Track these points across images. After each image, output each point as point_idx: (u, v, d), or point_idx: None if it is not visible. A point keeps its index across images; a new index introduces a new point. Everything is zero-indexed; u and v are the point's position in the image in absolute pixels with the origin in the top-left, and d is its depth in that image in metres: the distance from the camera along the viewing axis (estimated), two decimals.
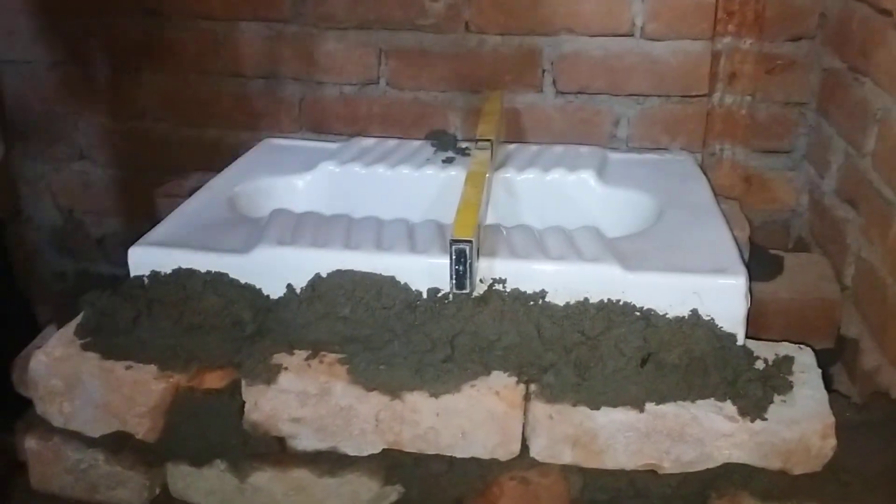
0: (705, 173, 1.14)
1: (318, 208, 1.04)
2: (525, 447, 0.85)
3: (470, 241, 0.81)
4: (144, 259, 0.93)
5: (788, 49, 1.30)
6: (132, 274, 0.93)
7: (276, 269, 0.91)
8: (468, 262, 0.82)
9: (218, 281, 0.91)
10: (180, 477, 0.90)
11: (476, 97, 1.38)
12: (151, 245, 0.95)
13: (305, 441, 0.87)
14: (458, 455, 0.85)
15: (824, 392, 0.85)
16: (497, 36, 1.36)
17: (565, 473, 0.85)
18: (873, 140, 1.07)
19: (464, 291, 0.83)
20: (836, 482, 0.82)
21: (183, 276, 0.92)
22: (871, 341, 1.04)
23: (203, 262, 0.92)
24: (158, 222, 1.01)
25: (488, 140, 1.08)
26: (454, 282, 0.83)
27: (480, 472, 0.86)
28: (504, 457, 0.85)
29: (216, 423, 0.88)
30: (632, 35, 1.33)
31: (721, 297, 0.86)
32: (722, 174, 1.34)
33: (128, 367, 0.88)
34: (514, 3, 1.33)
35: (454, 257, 0.82)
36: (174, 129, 1.51)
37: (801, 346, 0.91)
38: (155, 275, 0.92)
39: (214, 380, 0.88)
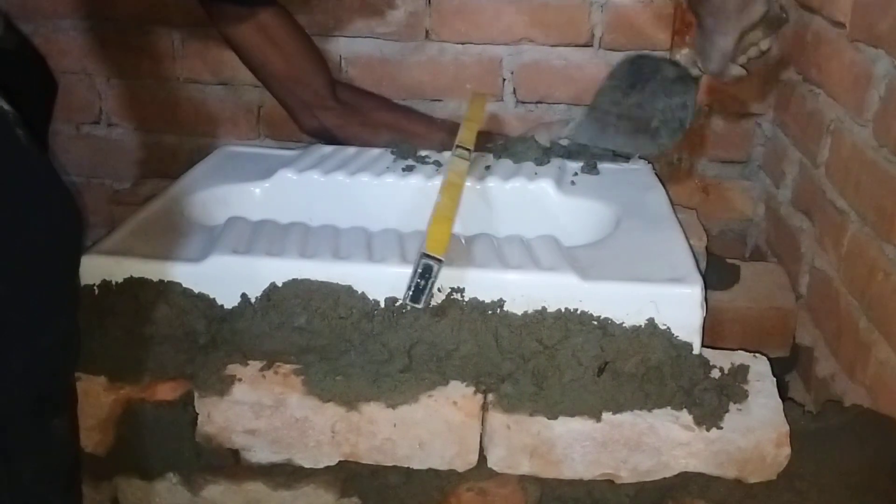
0: (663, 183, 1.14)
1: (275, 216, 1.02)
2: (483, 457, 0.84)
3: (441, 260, 0.78)
4: (95, 268, 0.91)
5: None
6: (82, 283, 0.91)
7: (230, 279, 0.89)
8: (431, 279, 0.79)
9: (171, 290, 0.89)
10: (131, 491, 0.88)
11: (436, 105, 1.38)
12: (102, 254, 0.92)
13: (260, 453, 0.86)
14: (416, 466, 0.84)
15: (779, 400, 0.85)
16: (458, 45, 1.36)
17: (523, 484, 0.85)
18: (826, 151, 1.09)
19: (417, 306, 0.80)
20: (791, 490, 0.82)
21: (135, 286, 0.89)
22: (825, 349, 1.05)
23: (156, 271, 0.90)
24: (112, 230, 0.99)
25: (468, 149, 1.02)
26: (410, 293, 0.79)
27: (438, 484, 0.85)
28: (461, 467, 0.84)
29: (168, 436, 0.86)
30: (591, 45, 1.34)
31: (677, 306, 0.86)
32: (680, 184, 1.36)
33: (77, 379, 0.86)
34: (475, 12, 1.34)
35: (420, 270, 0.78)
36: (131, 136, 1.49)
37: (757, 354, 0.91)
38: (106, 284, 0.90)
39: (166, 391, 0.86)
